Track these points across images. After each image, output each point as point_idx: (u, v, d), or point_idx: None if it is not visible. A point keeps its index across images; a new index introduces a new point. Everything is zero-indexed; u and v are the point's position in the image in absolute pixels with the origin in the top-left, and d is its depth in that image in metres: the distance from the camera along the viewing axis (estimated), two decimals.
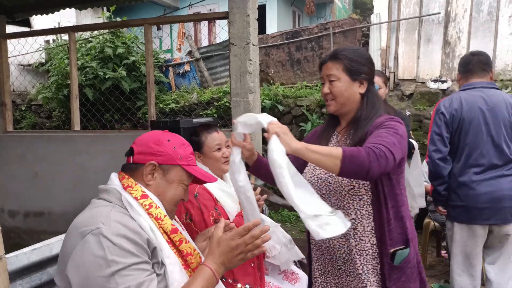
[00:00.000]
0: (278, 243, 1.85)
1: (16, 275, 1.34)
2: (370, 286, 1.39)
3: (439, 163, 2.19)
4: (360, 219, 1.38)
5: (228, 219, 1.71)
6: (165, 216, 1.16)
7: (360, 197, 1.37)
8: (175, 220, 1.27)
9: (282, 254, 1.87)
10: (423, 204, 2.40)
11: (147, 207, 1.13)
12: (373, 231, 1.38)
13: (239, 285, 1.62)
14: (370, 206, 1.37)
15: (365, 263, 1.40)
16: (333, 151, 1.22)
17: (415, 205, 2.35)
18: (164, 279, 1.08)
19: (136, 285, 0.97)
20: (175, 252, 1.16)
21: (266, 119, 1.29)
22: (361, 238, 1.39)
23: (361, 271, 1.40)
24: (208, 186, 1.75)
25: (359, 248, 1.40)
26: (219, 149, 1.84)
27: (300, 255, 2.00)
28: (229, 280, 1.62)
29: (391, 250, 1.37)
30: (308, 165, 1.52)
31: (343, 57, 1.42)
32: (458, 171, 2.20)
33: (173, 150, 1.19)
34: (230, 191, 1.80)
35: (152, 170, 1.16)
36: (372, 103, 1.43)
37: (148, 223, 1.10)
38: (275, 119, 1.30)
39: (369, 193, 1.36)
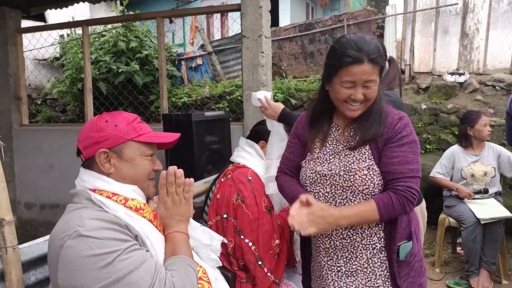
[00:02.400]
0: None
1: (30, 265, 1.35)
2: (376, 279, 1.35)
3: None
4: None
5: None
6: (144, 204, 1.14)
7: (373, 193, 1.32)
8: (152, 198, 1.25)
9: None
10: None
11: (123, 201, 1.10)
12: (381, 226, 1.35)
13: (272, 276, 1.68)
14: None
15: (372, 257, 1.36)
16: (368, 213, 1.26)
17: None
18: None
19: (141, 261, 0.95)
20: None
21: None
22: (368, 234, 1.35)
23: (366, 266, 1.36)
24: (261, 175, 1.80)
25: (365, 243, 1.35)
26: None
27: None
28: (265, 269, 1.67)
29: (398, 245, 1.34)
30: (306, 160, 1.44)
31: (379, 60, 1.26)
32: None
33: (116, 129, 1.12)
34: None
35: (106, 158, 1.11)
36: (379, 95, 1.34)
37: (129, 215, 1.07)
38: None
39: (381, 190, 1.32)
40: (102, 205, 1.06)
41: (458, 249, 3.58)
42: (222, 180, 1.83)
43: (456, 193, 3.15)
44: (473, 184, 3.16)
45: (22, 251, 1.28)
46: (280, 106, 1.89)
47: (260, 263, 1.64)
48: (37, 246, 1.38)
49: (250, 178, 1.73)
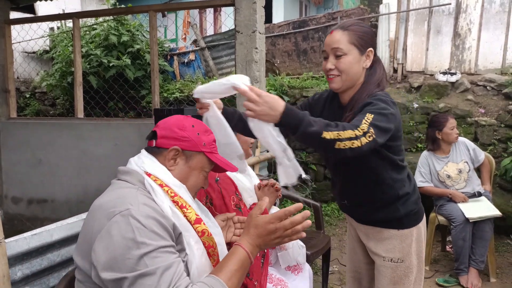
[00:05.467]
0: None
1: (16, 260, 1.32)
2: None
3: None
4: None
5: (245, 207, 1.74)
6: (189, 206, 1.13)
7: None
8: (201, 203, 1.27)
9: (295, 250, 1.84)
10: None
11: (172, 194, 1.11)
12: None
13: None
14: None
15: None
16: None
17: None
18: (185, 267, 1.06)
19: (166, 266, 0.95)
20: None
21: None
22: None
23: None
24: (229, 174, 1.77)
25: None
26: None
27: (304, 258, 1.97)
28: None
29: None
30: None
31: None
32: None
33: (197, 137, 1.17)
34: (249, 185, 1.82)
35: (175, 155, 1.16)
36: None
37: (172, 209, 1.08)
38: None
39: None
40: (151, 192, 1.08)
41: (448, 247, 3.61)
42: None
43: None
44: (453, 185, 3.18)
45: (8, 246, 1.25)
46: (279, 101, 1.21)
47: None
48: (24, 240, 1.34)
49: (218, 179, 1.72)
